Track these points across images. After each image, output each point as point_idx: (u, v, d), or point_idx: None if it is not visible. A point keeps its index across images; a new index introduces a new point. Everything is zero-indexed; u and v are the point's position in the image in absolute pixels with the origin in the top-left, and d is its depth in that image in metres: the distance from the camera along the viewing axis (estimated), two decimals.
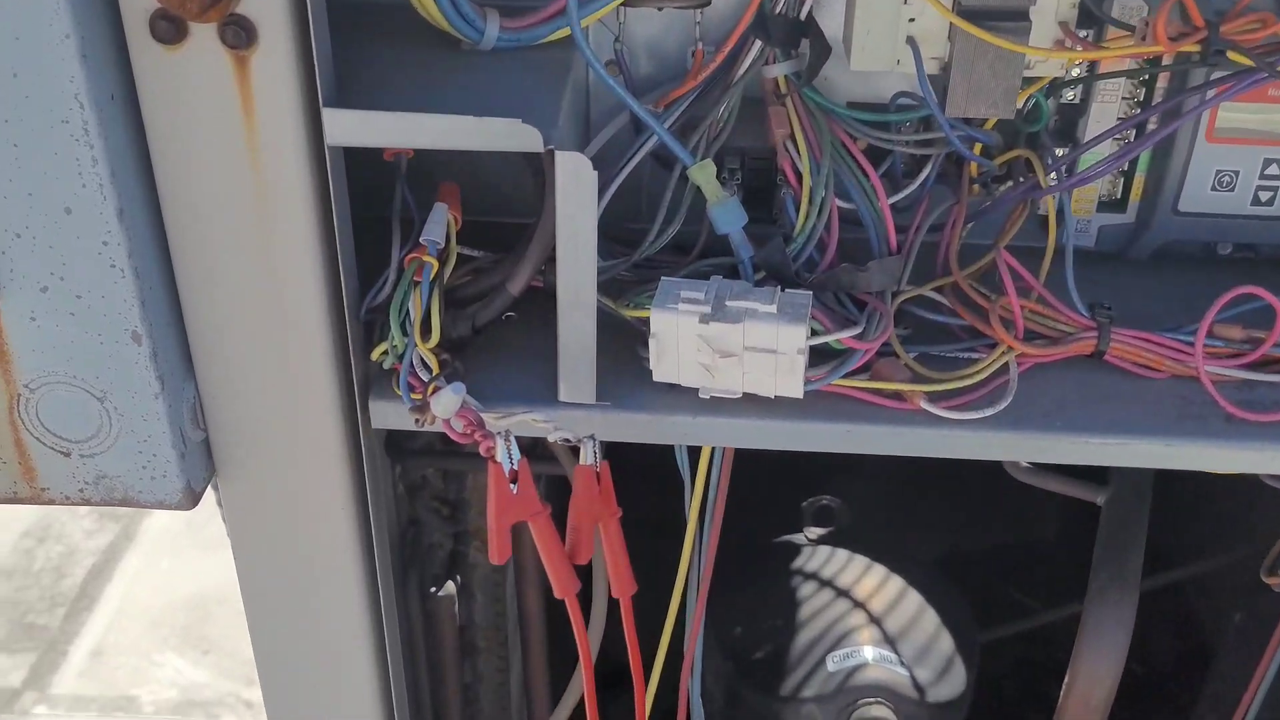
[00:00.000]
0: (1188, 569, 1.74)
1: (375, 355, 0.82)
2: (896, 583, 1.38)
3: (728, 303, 0.79)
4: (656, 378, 0.82)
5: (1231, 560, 1.67)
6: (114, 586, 3.14)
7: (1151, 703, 1.80)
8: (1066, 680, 1.05)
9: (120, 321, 0.76)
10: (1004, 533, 2.08)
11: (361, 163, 0.80)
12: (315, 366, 0.80)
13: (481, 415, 0.78)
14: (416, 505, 1.31)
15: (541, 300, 0.85)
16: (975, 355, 0.87)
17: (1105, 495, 1.13)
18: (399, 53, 0.80)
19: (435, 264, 0.79)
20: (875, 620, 1.33)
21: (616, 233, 0.91)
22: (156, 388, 0.78)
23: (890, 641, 1.31)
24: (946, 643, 1.33)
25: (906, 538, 1.53)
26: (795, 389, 0.80)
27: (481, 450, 0.74)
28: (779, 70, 0.84)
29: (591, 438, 0.74)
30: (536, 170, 0.86)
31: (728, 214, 0.84)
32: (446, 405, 0.73)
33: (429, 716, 1.41)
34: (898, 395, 0.83)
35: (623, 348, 0.86)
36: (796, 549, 1.44)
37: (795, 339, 0.78)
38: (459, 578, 1.36)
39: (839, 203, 0.86)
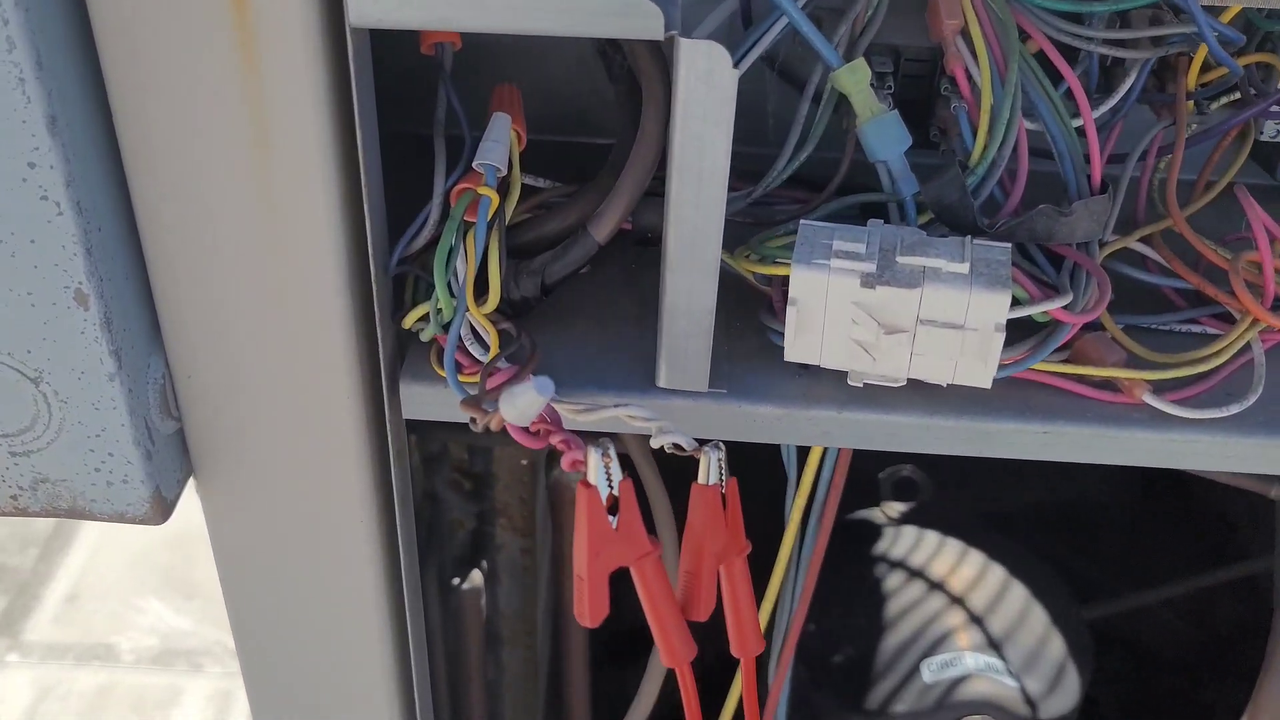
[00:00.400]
0: None
1: (409, 322, 0.60)
2: (997, 572, 1.18)
3: (899, 259, 0.57)
4: (789, 357, 0.60)
5: None
6: (90, 525, 2.95)
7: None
8: (1249, 713, 0.86)
9: (58, 276, 0.54)
10: (1091, 501, 1.89)
11: (391, 58, 0.57)
12: (327, 337, 0.58)
13: (557, 410, 0.56)
14: (435, 479, 1.10)
15: (622, 244, 0.64)
16: (1197, 329, 0.66)
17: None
18: None
19: (495, 198, 0.57)
20: (976, 619, 1.13)
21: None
22: (111, 366, 0.56)
23: (995, 646, 1.11)
24: (1058, 646, 1.14)
25: (1001, 513, 1.33)
26: (983, 376, 0.59)
27: (564, 464, 0.53)
28: None
29: (717, 446, 0.53)
30: (619, 73, 0.64)
31: (885, 134, 0.62)
32: (525, 408, 0.51)
33: (447, 717, 1.22)
34: (1107, 384, 0.62)
35: (737, 314, 0.64)
36: (875, 529, 1.24)
37: (994, 310, 0.56)
38: (484, 563, 1.16)
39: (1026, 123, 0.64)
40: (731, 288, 0.63)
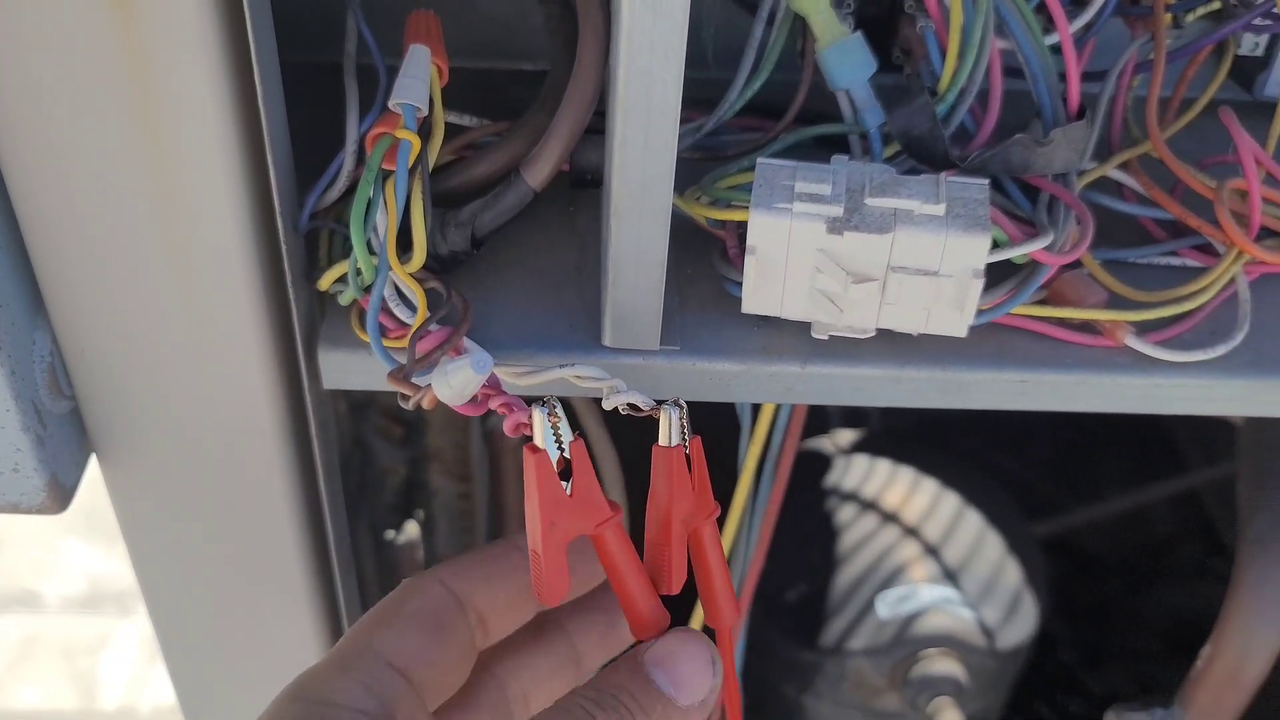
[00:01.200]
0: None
1: (326, 284, 0.54)
2: (951, 500, 1.15)
3: (867, 201, 0.52)
4: (748, 309, 0.55)
5: None
6: None
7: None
8: (1212, 644, 0.84)
9: None
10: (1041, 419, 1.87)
11: None
12: (232, 301, 0.52)
13: (497, 372, 0.51)
14: (363, 426, 1.04)
15: (559, 184, 0.58)
16: (1177, 261, 0.62)
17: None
18: None
19: (416, 142, 0.50)
20: (931, 550, 1.11)
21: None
22: None
23: (950, 576, 1.09)
24: (1013, 573, 1.12)
25: (952, 437, 1.30)
26: (958, 325, 0.54)
27: (507, 429, 0.47)
28: None
29: (677, 404, 0.48)
30: None
31: (848, 59, 0.56)
32: (461, 386, 0.46)
33: None
34: (1089, 326, 0.58)
35: (687, 259, 0.59)
36: (825, 460, 1.20)
37: (973, 255, 0.51)
38: (419, 513, 1.11)
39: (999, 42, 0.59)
40: (680, 230, 0.57)
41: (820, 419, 1.26)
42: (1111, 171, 0.63)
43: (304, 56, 0.56)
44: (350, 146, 0.52)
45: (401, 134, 0.50)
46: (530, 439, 0.46)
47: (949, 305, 0.53)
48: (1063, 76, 0.59)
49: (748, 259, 0.53)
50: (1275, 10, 0.64)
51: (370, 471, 1.07)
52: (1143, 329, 0.57)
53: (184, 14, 0.44)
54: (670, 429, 0.48)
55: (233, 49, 0.46)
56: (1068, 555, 2.25)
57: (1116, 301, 0.58)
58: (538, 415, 0.46)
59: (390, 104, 0.51)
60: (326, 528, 0.64)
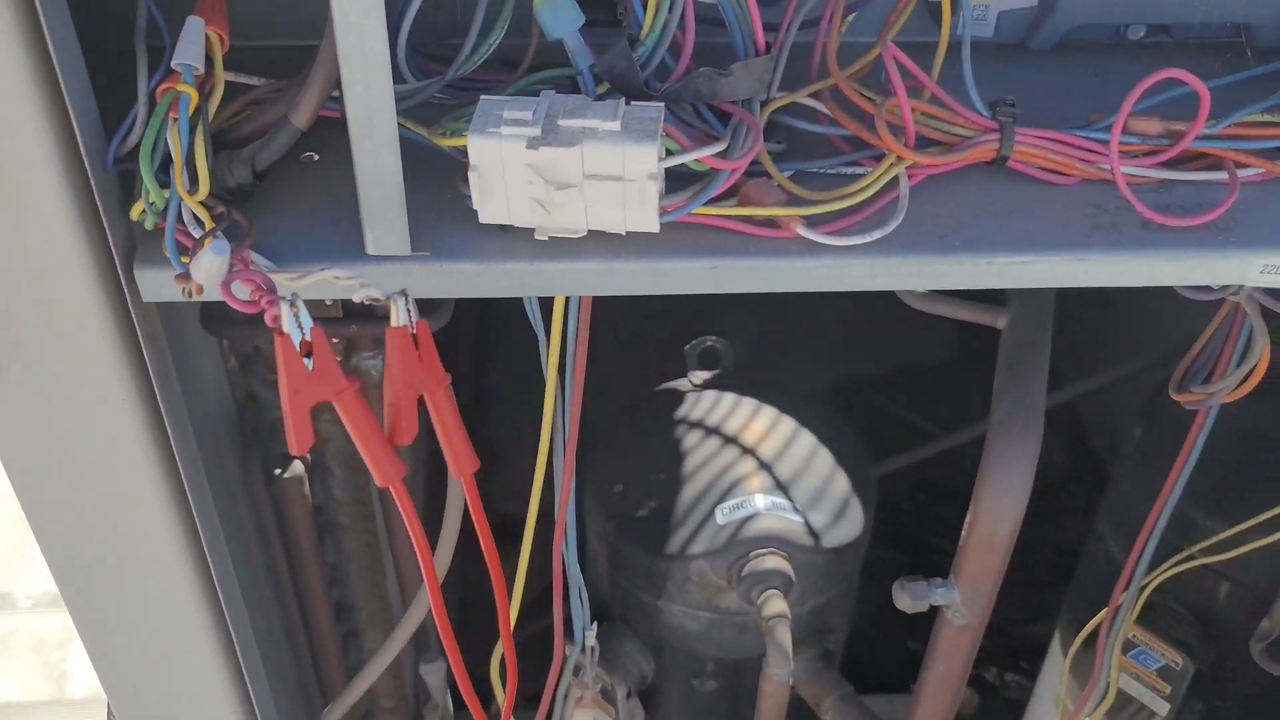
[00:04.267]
0: (1081, 384, 1.69)
1: (135, 214, 0.66)
2: (787, 424, 1.28)
3: (560, 122, 0.65)
4: (484, 219, 0.68)
5: (1130, 374, 1.62)
6: None
7: (1046, 522, 1.78)
8: (969, 516, 0.97)
9: None
10: (899, 358, 2.01)
11: None
12: (57, 232, 0.64)
13: (273, 277, 0.63)
14: (251, 380, 1.16)
15: (346, 135, 0.70)
16: (861, 170, 0.75)
17: (1005, 319, 1.03)
18: None
19: (193, 94, 0.63)
20: (765, 466, 1.23)
21: (434, 50, 0.76)
22: None
23: (782, 487, 1.22)
24: (842, 483, 1.25)
25: (798, 373, 1.43)
26: (649, 222, 0.67)
27: (268, 320, 0.60)
28: None
29: (402, 294, 0.60)
30: None
31: (559, 13, 0.69)
32: (209, 269, 0.59)
33: (293, 601, 1.29)
34: (771, 222, 0.71)
35: (444, 186, 0.71)
36: (680, 396, 1.33)
37: (645, 161, 0.64)
38: (309, 455, 1.23)
39: None
40: (437, 162, 0.70)
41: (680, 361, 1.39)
42: (804, 98, 0.76)
43: (106, 43, 0.68)
44: (141, 100, 0.64)
45: (181, 88, 0.63)
46: (280, 328, 0.59)
47: (637, 204, 0.66)
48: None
49: (471, 175, 0.65)
50: None
51: (262, 422, 1.18)
52: (814, 222, 0.70)
53: None
54: (398, 313, 0.61)
55: (31, 36, 0.58)
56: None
57: (795, 202, 0.71)
58: (283, 308, 0.59)
59: (172, 64, 0.63)
60: (169, 434, 0.76)
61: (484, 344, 1.84)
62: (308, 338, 0.58)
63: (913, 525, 2.12)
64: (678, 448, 1.26)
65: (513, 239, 0.69)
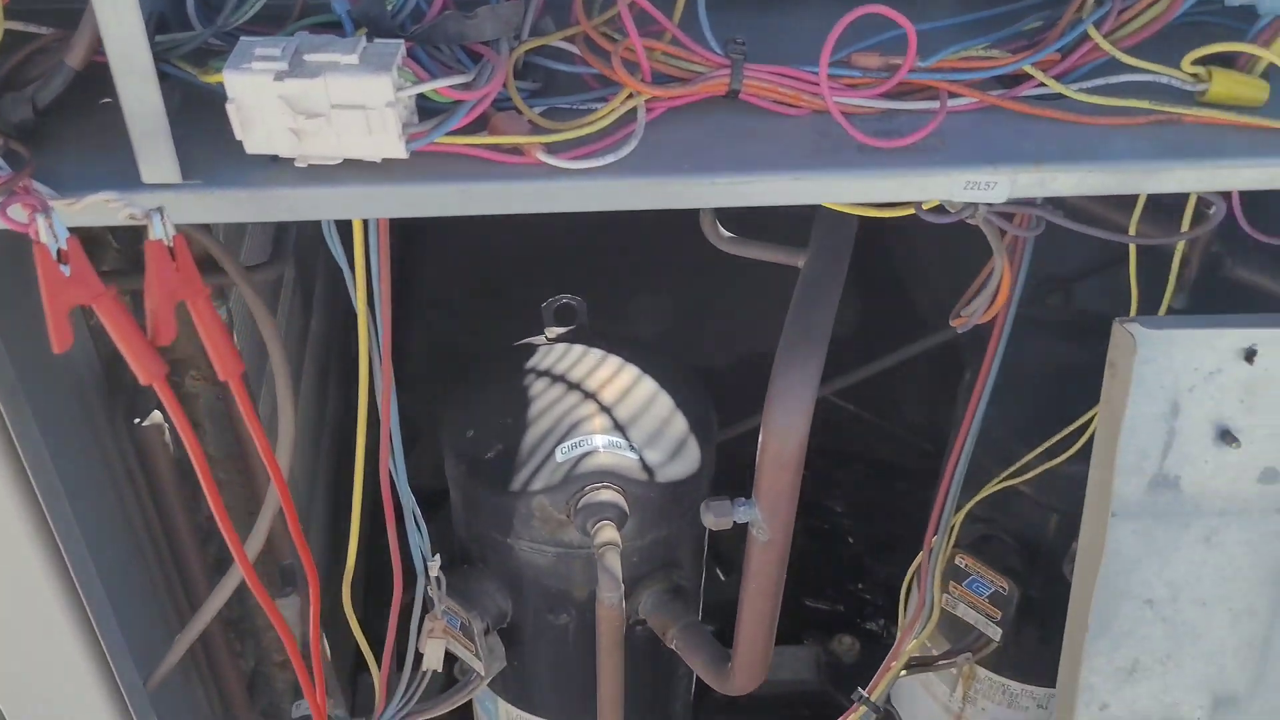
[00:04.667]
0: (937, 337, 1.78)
1: None
2: (630, 372, 1.36)
3: (306, 57, 0.72)
4: (250, 149, 0.75)
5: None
6: None
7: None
8: (761, 438, 1.05)
9: None
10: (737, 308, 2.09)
11: None
12: None
13: (50, 202, 0.71)
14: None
15: None
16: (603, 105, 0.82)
17: (803, 259, 1.11)
18: None
19: None
20: (606, 409, 1.31)
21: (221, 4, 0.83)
22: None
23: (620, 428, 1.29)
24: (680, 424, 1.32)
25: (645, 326, 1.51)
26: (396, 148, 0.74)
27: (31, 234, 0.67)
28: None
29: (159, 210, 0.68)
30: None
31: None
32: None
33: (166, 556, 1.35)
34: (518, 151, 0.78)
35: (220, 123, 0.78)
36: (534, 350, 1.41)
37: (382, 91, 0.72)
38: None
39: None
40: (211, 101, 0.77)
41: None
42: (558, 41, 0.83)
43: None
44: None
45: None
46: (38, 238, 0.66)
47: (381, 132, 0.73)
48: None
49: (229, 107, 0.73)
50: None
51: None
52: (556, 149, 0.78)
53: None
54: (153, 228, 0.68)
55: None
56: (862, 463, 2.48)
57: (540, 132, 0.79)
58: (40, 220, 0.66)
59: None
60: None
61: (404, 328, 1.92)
62: (62, 246, 0.65)
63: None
64: (526, 395, 1.34)
65: (279, 169, 0.76)
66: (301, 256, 1.65)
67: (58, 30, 0.78)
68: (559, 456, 1.26)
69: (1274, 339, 0.90)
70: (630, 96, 0.80)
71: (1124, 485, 0.95)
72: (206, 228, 1.04)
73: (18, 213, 0.70)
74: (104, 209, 0.71)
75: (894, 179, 0.81)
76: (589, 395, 1.32)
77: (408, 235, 2.71)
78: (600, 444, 1.27)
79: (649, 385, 1.35)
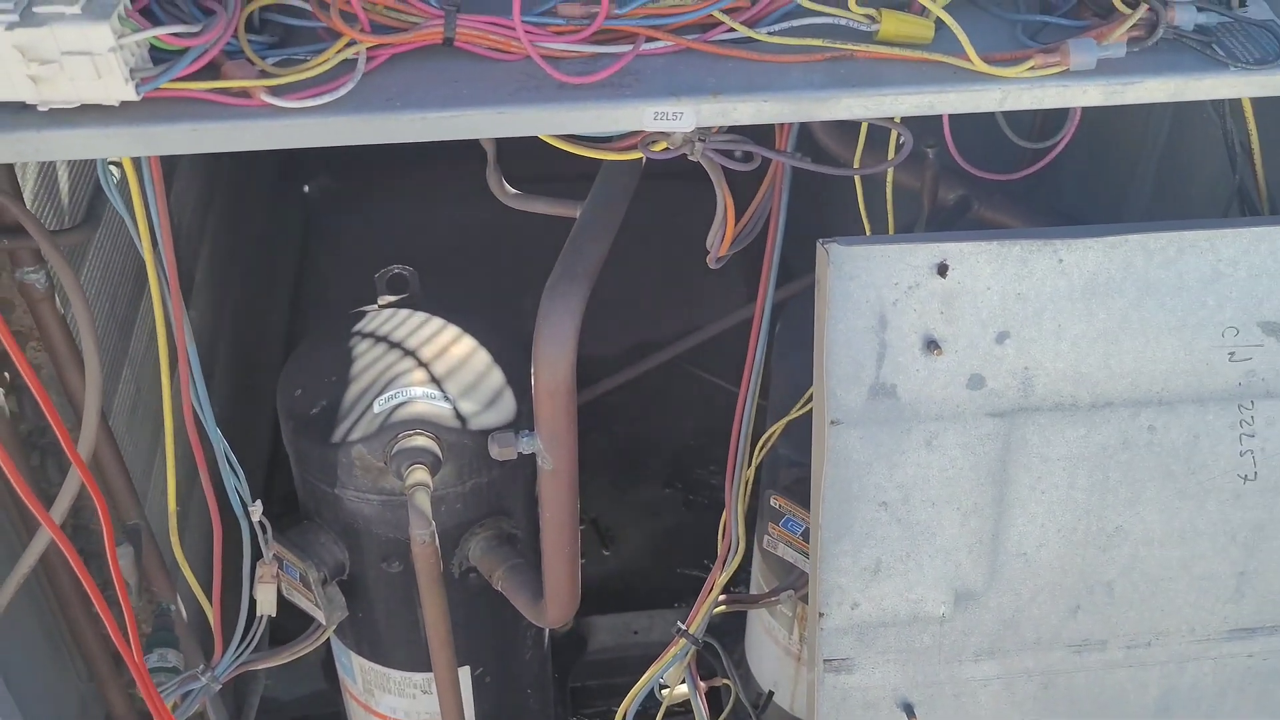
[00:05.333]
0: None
1: None
2: (452, 331, 1.45)
3: (35, 9, 0.81)
4: None
5: None
6: None
7: None
8: (533, 370, 1.14)
9: None
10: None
11: None
12: None
13: None
14: None
15: None
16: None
17: (578, 210, 1.21)
18: None
19: None
20: (424, 364, 1.40)
21: None
22: None
23: (436, 381, 1.38)
24: (496, 377, 1.42)
25: (471, 291, 1.60)
26: (126, 91, 0.83)
27: None
28: None
29: None
30: None
31: None
32: None
33: (19, 522, 1.43)
34: (244, 94, 0.87)
35: None
36: (364, 315, 1.50)
37: (103, 38, 0.81)
38: (6, 376, 1.37)
39: None
40: None
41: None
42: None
43: None
44: None
45: None
46: None
47: (110, 77, 0.82)
48: None
49: None
50: None
51: None
52: (279, 91, 0.87)
53: None
54: None
55: None
56: None
57: (266, 76, 0.88)
58: None
59: None
60: None
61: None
62: None
63: None
64: (350, 355, 1.43)
65: (24, 114, 0.85)
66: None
67: None
68: (376, 408, 1.35)
69: (962, 253, 1.00)
70: (349, 44, 0.90)
71: (845, 395, 1.04)
72: (16, 194, 1.14)
73: None
74: None
75: (589, 111, 0.90)
76: (409, 353, 1.41)
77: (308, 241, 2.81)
78: (417, 394, 1.36)
79: (468, 343, 1.44)
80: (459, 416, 1.35)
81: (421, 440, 1.32)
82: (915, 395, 1.05)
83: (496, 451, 1.19)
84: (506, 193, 1.23)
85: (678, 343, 2.02)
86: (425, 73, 0.92)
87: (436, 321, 1.46)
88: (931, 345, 1.03)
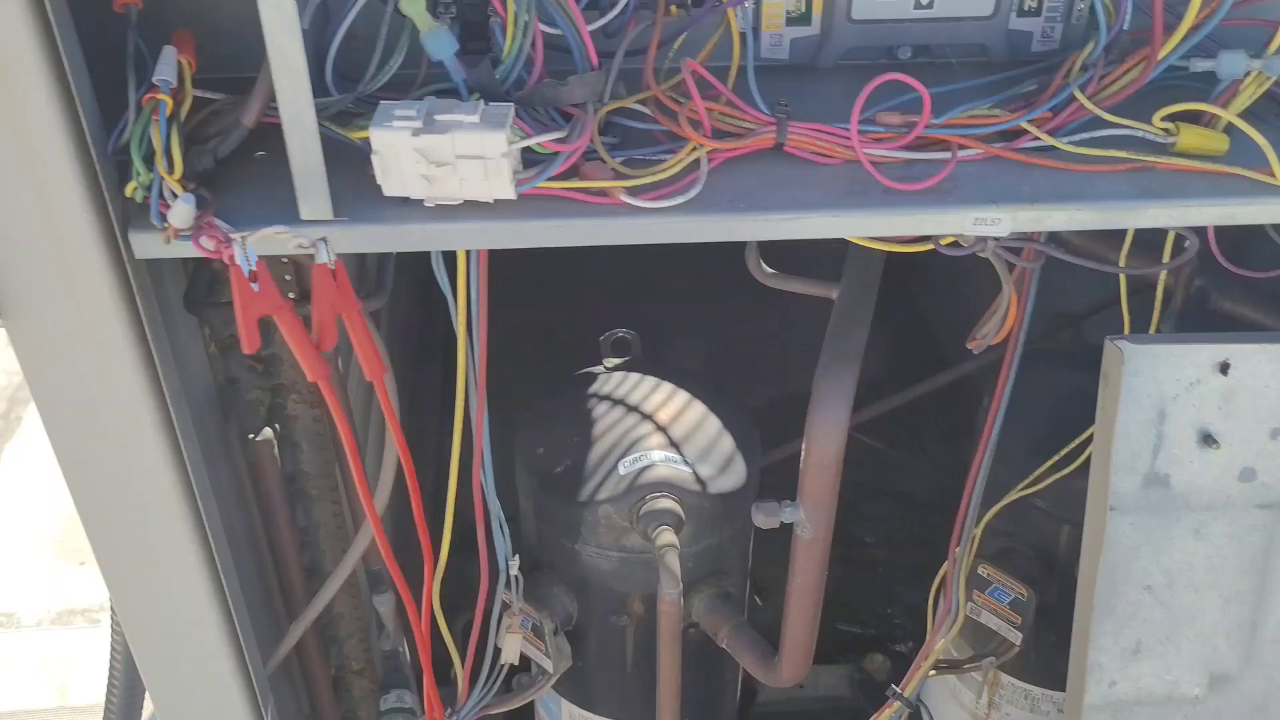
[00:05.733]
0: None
1: (129, 191, 0.91)
2: (682, 396, 1.52)
3: (436, 117, 0.89)
4: (387, 192, 0.92)
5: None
6: None
7: None
8: (804, 445, 1.20)
9: None
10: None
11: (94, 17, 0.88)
12: (71, 205, 0.88)
13: (229, 234, 0.88)
14: (230, 363, 1.39)
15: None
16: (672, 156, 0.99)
17: (837, 290, 1.27)
18: None
19: (169, 100, 0.88)
20: (662, 429, 1.47)
21: (354, 74, 1.00)
22: None
23: (675, 445, 1.45)
24: (727, 443, 1.48)
25: (691, 355, 1.67)
26: (507, 190, 0.91)
27: (225, 259, 0.84)
28: None
29: (323, 240, 0.85)
30: None
31: (438, 41, 0.94)
32: (180, 215, 0.83)
33: (269, 560, 1.51)
34: (603, 193, 0.95)
35: (358, 171, 0.96)
36: (594, 377, 1.57)
37: (497, 144, 0.89)
38: (278, 426, 1.46)
39: (546, 28, 0.96)
40: (354, 154, 0.95)
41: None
42: (632, 104, 1.01)
43: (112, 72, 0.93)
44: (131, 105, 0.89)
45: (160, 97, 0.88)
46: (234, 261, 0.84)
47: (496, 177, 0.90)
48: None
49: (374, 158, 0.90)
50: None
51: (238, 401, 1.41)
52: (635, 192, 0.95)
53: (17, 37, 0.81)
54: (321, 254, 0.85)
55: (47, 50, 0.83)
56: (890, 497, 2.63)
57: (620, 177, 0.95)
58: (235, 247, 0.83)
59: (153, 80, 0.88)
60: (158, 370, 1.00)
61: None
62: (254, 268, 0.83)
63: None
64: (590, 417, 1.50)
65: (409, 208, 0.94)
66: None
67: (230, 96, 0.96)
68: (621, 470, 1.42)
69: (1244, 353, 1.05)
70: (694, 149, 0.97)
71: (1120, 482, 1.09)
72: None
73: (206, 243, 0.87)
74: (275, 240, 0.89)
75: (914, 216, 0.97)
76: (645, 416, 1.48)
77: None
78: (658, 458, 1.42)
79: (699, 408, 1.51)
80: (699, 480, 1.42)
81: (667, 503, 1.38)
82: (1187, 485, 1.10)
83: (761, 520, 1.25)
84: (764, 273, 1.30)
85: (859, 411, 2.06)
86: (756, 175, 0.99)
87: (664, 385, 1.53)
88: (1207, 439, 1.08)
